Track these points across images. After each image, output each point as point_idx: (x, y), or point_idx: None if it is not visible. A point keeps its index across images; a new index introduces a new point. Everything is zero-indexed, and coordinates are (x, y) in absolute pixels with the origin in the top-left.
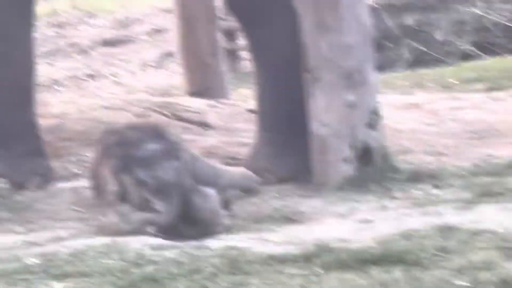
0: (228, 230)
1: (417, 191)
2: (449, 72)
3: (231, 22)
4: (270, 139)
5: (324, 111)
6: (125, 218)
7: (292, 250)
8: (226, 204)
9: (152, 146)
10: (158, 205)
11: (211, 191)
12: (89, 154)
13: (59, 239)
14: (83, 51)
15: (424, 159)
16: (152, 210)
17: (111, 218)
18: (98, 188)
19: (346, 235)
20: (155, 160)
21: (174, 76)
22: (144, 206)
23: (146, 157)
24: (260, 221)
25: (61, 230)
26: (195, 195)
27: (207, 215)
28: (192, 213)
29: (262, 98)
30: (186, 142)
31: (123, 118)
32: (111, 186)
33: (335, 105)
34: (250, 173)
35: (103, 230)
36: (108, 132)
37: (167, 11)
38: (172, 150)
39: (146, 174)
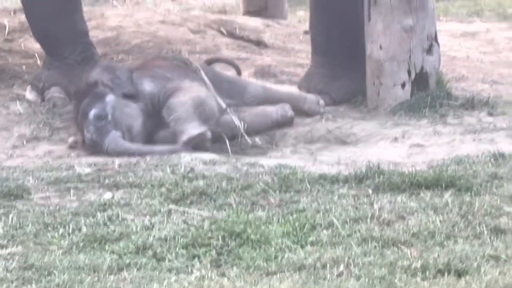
0: None
1: (471, 118)
2: (508, 1)
3: None
4: (324, 62)
5: (382, 35)
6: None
7: (344, 171)
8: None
9: None
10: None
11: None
12: None
13: None
14: None
15: (479, 87)
16: None
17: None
18: None
19: (398, 158)
20: None
21: None
22: None
23: None
24: (313, 141)
25: None
26: None
27: None
28: None
29: (316, 20)
30: (241, 60)
31: (180, 33)
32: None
33: (393, 29)
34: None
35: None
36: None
37: None
38: None
39: None
